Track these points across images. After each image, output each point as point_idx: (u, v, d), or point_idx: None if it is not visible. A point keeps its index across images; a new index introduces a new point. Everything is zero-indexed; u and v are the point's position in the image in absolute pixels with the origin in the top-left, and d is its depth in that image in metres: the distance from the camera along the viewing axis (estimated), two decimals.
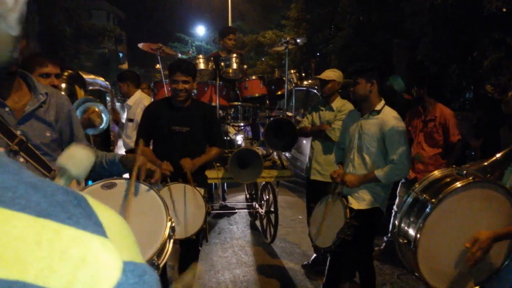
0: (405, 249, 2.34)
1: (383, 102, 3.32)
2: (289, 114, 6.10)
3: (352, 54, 14.55)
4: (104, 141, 5.62)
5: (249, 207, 6.39)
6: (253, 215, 6.28)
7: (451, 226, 2.23)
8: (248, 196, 6.69)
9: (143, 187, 2.04)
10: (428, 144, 4.70)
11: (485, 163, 4.20)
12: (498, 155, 4.12)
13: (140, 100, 5.09)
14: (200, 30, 35.74)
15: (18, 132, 1.86)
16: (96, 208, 0.56)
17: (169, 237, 1.92)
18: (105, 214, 0.56)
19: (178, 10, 44.23)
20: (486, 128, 7.22)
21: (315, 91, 7.44)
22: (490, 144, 6.62)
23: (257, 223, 6.06)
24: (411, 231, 2.29)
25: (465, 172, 2.27)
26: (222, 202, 6.64)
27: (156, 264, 1.80)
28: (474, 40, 10.65)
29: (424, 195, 2.30)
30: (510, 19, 9.26)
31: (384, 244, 5.03)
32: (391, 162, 3.18)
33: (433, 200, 2.21)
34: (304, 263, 4.74)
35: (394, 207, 4.93)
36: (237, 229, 6.00)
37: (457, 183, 2.21)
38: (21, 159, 1.87)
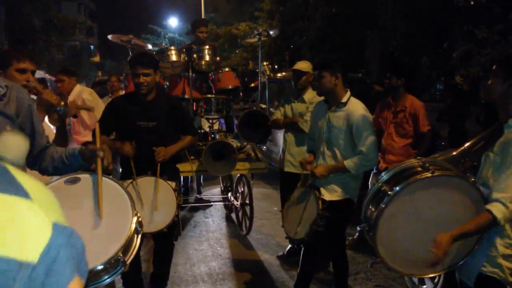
0: (367, 235, 2.43)
1: (348, 93, 3.35)
2: (263, 106, 6.11)
3: (326, 47, 14.63)
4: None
5: (224, 199, 6.40)
6: (229, 207, 6.29)
7: (410, 216, 2.31)
8: (223, 188, 6.69)
9: (108, 181, 1.99)
10: (398, 135, 4.76)
11: (454, 153, 4.31)
12: (466, 145, 4.24)
13: (80, 93, 5.03)
14: (173, 22, 35.39)
15: None
16: (18, 175, 0.56)
17: (136, 232, 1.90)
18: (28, 181, 0.57)
19: (151, 2, 43.63)
20: (454, 117, 7.37)
21: (288, 83, 7.47)
22: (457, 133, 6.81)
23: (233, 215, 6.08)
24: (371, 219, 2.37)
25: (427, 164, 2.32)
26: (197, 195, 6.60)
27: (122, 260, 1.78)
28: (444, 32, 10.87)
29: (385, 186, 2.37)
30: (478, 12, 9.48)
31: (357, 234, 5.11)
32: (359, 153, 3.22)
33: (390, 192, 2.27)
34: (279, 254, 4.78)
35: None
36: (212, 222, 6.01)
37: (417, 176, 2.27)
38: None
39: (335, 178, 3.36)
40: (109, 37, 5.06)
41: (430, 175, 2.24)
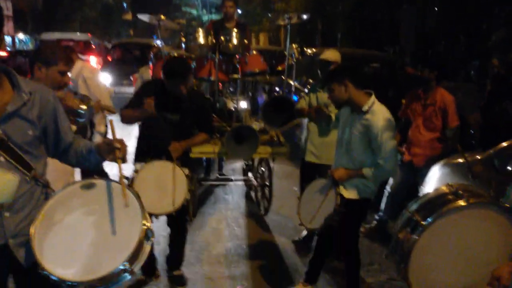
0: (398, 266, 2.38)
1: (371, 99, 3.28)
2: (290, 81, 6.06)
3: (360, 21, 14.23)
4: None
5: (245, 178, 6.46)
6: (249, 185, 6.34)
7: (446, 247, 2.26)
8: (244, 166, 6.74)
9: (119, 187, 2.02)
10: (426, 128, 4.69)
11: (479, 157, 4.22)
12: (491, 151, 4.13)
13: (80, 70, 4.62)
14: None
15: None
16: None
17: (147, 239, 1.94)
18: None
19: None
20: (490, 104, 7.13)
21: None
22: (491, 124, 6.60)
23: (253, 193, 6.15)
24: (403, 251, 2.32)
25: (460, 191, 2.26)
26: (218, 175, 6.59)
27: (129, 269, 1.84)
28: (484, 11, 10.41)
29: (416, 216, 2.31)
30: None
31: (375, 222, 5.12)
32: (377, 165, 3.22)
33: (423, 222, 2.23)
34: (295, 238, 4.84)
35: (388, 187, 5.00)
36: (232, 199, 6.10)
37: (451, 204, 2.22)
38: (1, 158, 1.88)
39: (356, 178, 3.37)
40: (140, 16, 5.05)
41: (464, 203, 2.19)
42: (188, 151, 3.93)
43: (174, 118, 3.62)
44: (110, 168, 3.46)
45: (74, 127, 3.03)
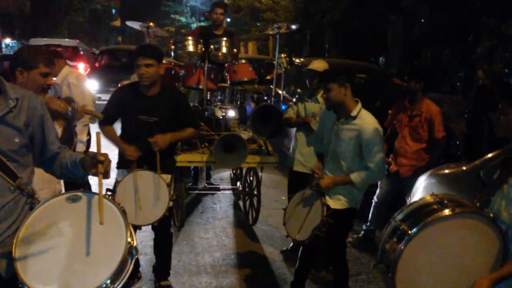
0: (385, 276, 2.40)
1: (359, 105, 3.32)
2: (278, 91, 6.08)
3: (348, 31, 14.35)
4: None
5: (233, 187, 6.43)
6: (237, 194, 6.33)
7: (431, 256, 2.26)
8: (233, 175, 6.73)
9: (105, 202, 1.97)
10: (412, 139, 4.74)
11: (464, 168, 4.27)
12: (477, 161, 4.18)
13: (66, 76, 4.64)
14: None
15: None
16: None
17: (131, 257, 1.91)
18: None
19: None
20: (475, 115, 7.24)
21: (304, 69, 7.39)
22: (476, 135, 6.71)
23: (241, 203, 6.13)
24: (389, 260, 2.33)
25: (445, 201, 2.29)
26: (206, 185, 6.55)
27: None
28: (470, 24, 10.58)
29: (403, 225, 2.33)
30: (507, 6, 9.20)
31: (362, 232, 5.14)
32: (367, 168, 3.25)
33: (410, 232, 2.25)
34: (283, 249, 4.83)
35: (375, 197, 5.03)
36: (220, 208, 6.07)
37: (436, 214, 2.23)
38: None
39: (342, 188, 3.39)
40: (128, 23, 5.05)
41: (450, 213, 2.21)
42: (172, 156, 3.85)
43: (152, 120, 3.51)
44: (95, 179, 3.40)
45: (60, 131, 2.99)
